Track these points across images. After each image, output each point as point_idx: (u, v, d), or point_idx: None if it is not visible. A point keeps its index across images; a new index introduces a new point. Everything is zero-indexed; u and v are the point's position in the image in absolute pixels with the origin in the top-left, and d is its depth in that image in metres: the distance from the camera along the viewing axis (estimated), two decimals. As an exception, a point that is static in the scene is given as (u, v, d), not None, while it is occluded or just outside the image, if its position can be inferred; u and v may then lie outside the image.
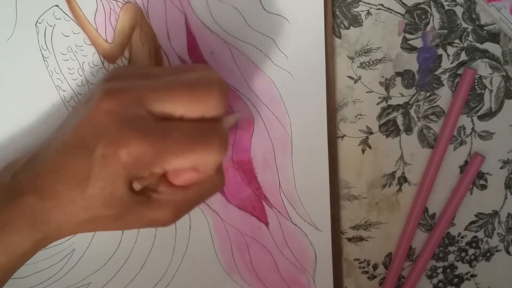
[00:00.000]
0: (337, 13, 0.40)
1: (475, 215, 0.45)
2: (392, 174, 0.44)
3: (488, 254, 0.46)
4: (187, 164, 0.30)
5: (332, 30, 0.39)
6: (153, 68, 0.34)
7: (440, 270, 0.47)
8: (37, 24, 0.36)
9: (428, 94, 0.42)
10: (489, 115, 0.43)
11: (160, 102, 0.30)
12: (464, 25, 0.41)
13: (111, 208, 0.30)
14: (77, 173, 0.30)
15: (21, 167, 0.32)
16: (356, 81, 0.41)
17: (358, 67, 0.41)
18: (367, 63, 0.41)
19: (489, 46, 0.41)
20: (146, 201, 0.31)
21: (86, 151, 0.29)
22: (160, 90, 0.30)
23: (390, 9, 0.40)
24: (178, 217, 0.33)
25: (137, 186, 0.30)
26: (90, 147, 0.29)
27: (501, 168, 0.44)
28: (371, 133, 0.42)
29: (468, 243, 0.46)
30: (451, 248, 0.46)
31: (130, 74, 0.32)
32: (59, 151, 0.30)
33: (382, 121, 0.42)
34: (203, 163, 0.31)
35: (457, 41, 0.41)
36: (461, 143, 0.43)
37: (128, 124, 0.29)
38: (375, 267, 0.46)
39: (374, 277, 0.46)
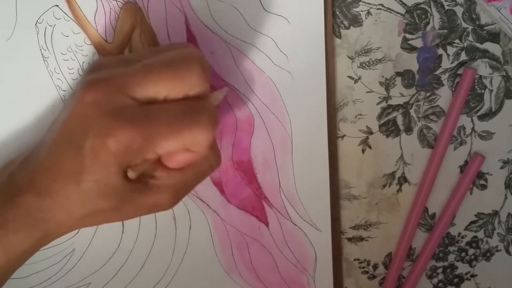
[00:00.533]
0: (337, 13, 0.40)
1: (475, 215, 0.45)
2: (392, 174, 0.44)
3: (488, 254, 0.46)
4: (178, 146, 0.30)
5: (332, 30, 0.39)
6: (133, 53, 0.34)
7: (440, 270, 0.47)
8: (37, 24, 0.36)
9: (428, 94, 0.42)
10: (489, 115, 0.43)
11: (142, 86, 0.30)
12: (464, 25, 0.41)
13: (108, 200, 0.30)
14: (69, 169, 0.30)
15: (17, 166, 0.32)
16: (356, 81, 0.41)
17: (358, 67, 0.41)
18: (367, 63, 0.41)
19: (489, 46, 0.41)
20: (143, 188, 0.31)
21: (76, 146, 0.29)
22: (139, 74, 0.30)
23: (390, 9, 0.40)
24: (178, 200, 0.33)
25: (131, 174, 0.30)
26: (79, 141, 0.29)
27: (501, 168, 0.44)
28: (371, 133, 0.42)
29: (468, 243, 0.46)
30: (451, 248, 0.46)
31: (110, 63, 0.32)
32: (50, 149, 0.30)
33: (382, 121, 0.42)
34: (194, 143, 0.31)
35: (457, 41, 0.41)
36: (461, 143, 0.43)
37: (113, 113, 0.29)
38: (375, 267, 0.46)
39: (374, 277, 0.46)
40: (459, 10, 0.40)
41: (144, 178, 0.31)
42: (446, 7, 0.40)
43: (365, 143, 0.43)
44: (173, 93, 0.30)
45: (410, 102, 0.42)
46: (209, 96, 0.32)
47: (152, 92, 0.30)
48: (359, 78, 0.41)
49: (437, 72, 0.42)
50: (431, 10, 0.40)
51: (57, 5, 0.36)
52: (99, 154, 0.29)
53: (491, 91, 0.42)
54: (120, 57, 0.33)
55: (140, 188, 0.31)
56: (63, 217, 0.31)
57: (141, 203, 0.31)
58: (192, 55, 0.31)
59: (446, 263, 0.46)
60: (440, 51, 0.41)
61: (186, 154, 0.31)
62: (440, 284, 0.47)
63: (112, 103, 0.29)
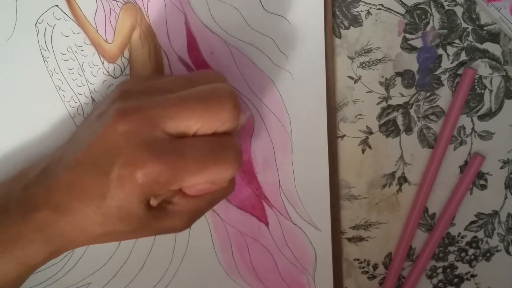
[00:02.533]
0: (337, 13, 0.40)
1: (475, 215, 0.45)
2: (392, 174, 0.44)
3: (488, 254, 0.46)
4: (203, 181, 0.31)
5: (332, 30, 0.39)
6: (163, 80, 0.33)
7: (440, 270, 0.47)
8: (37, 24, 0.36)
9: (428, 94, 0.42)
10: (489, 115, 0.43)
11: (174, 120, 0.30)
12: (464, 25, 0.41)
13: (127, 224, 0.30)
14: (92, 191, 0.30)
15: (33, 179, 0.32)
16: (356, 81, 0.41)
17: (358, 67, 0.41)
18: (367, 63, 0.41)
19: (489, 46, 0.41)
20: (161, 213, 0.31)
21: (102, 171, 0.29)
22: (173, 108, 0.30)
23: (390, 9, 0.40)
24: (190, 224, 0.33)
25: (154, 202, 0.31)
26: (105, 167, 0.29)
27: (501, 168, 0.44)
28: (371, 133, 0.42)
29: (468, 243, 0.46)
30: (451, 248, 0.46)
31: (141, 90, 0.32)
32: (71, 167, 0.30)
33: (382, 121, 0.42)
34: (219, 178, 0.31)
35: (457, 41, 0.41)
36: (461, 143, 0.43)
37: (144, 145, 0.29)
38: (375, 267, 0.46)
39: (374, 277, 0.46)
40: (459, 10, 0.40)
41: (162, 203, 0.32)
42: (446, 7, 0.40)
43: (365, 143, 0.43)
44: (204, 129, 0.31)
45: (410, 102, 0.42)
46: (236, 131, 0.32)
47: (183, 127, 0.30)
48: (359, 78, 0.41)
49: (437, 72, 0.42)
50: (431, 10, 0.40)
51: (57, 5, 0.36)
52: (125, 184, 0.29)
53: (491, 91, 0.42)
54: (151, 83, 0.33)
55: (158, 214, 0.31)
56: (78, 234, 0.31)
57: (156, 227, 0.32)
58: (225, 91, 0.31)
59: (446, 263, 0.46)
60: (440, 51, 0.41)
61: (207, 184, 0.32)
62: (440, 284, 0.47)
63: (143, 135, 0.29)
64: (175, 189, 0.31)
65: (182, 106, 0.30)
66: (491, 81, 0.42)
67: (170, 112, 0.30)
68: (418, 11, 0.40)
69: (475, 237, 0.46)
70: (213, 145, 0.30)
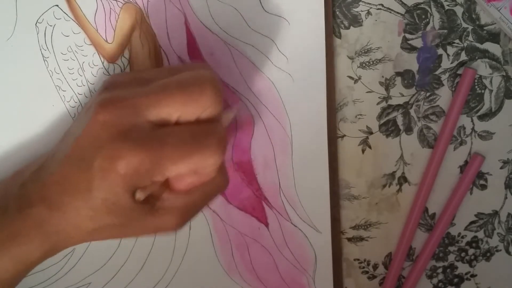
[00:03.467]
0: (337, 13, 0.40)
1: (475, 215, 0.45)
2: (392, 174, 0.44)
3: (488, 254, 0.46)
4: (186, 170, 0.30)
5: (332, 30, 0.39)
6: (149, 72, 0.33)
7: (440, 270, 0.47)
8: (37, 24, 0.36)
9: (428, 94, 0.42)
10: (489, 115, 0.43)
11: (155, 107, 0.30)
12: (464, 25, 0.41)
13: (116, 216, 0.30)
14: (79, 185, 0.30)
15: (29, 177, 0.32)
16: (356, 81, 0.41)
17: (358, 67, 0.41)
18: (367, 63, 0.41)
19: (489, 46, 0.41)
20: (150, 209, 0.31)
21: (86, 164, 0.29)
22: (153, 95, 0.30)
23: (390, 9, 0.40)
24: (184, 222, 0.33)
25: (140, 195, 0.30)
26: (89, 160, 0.29)
27: (501, 168, 0.44)
28: (371, 133, 0.42)
29: (468, 243, 0.46)
30: (451, 248, 0.46)
31: (125, 82, 0.32)
32: (62, 163, 0.30)
33: (382, 121, 0.42)
34: (203, 166, 0.31)
35: (457, 41, 0.41)
36: (461, 143, 0.43)
37: (124, 135, 0.29)
38: (375, 267, 0.46)
39: (374, 277, 0.46)
40: (459, 10, 0.40)
41: (151, 200, 0.31)
42: (446, 7, 0.40)
43: (365, 143, 0.43)
44: (186, 116, 0.30)
45: (410, 102, 0.42)
46: (220, 118, 0.32)
47: (165, 114, 0.30)
48: (359, 78, 0.41)
49: (437, 72, 0.42)
50: (431, 10, 0.40)
51: (57, 5, 0.36)
52: (107, 175, 0.29)
53: (491, 91, 0.42)
54: (135, 75, 0.33)
55: (147, 209, 0.31)
56: (72, 230, 0.31)
57: (147, 224, 0.32)
58: (205, 76, 0.31)
59: (446, 263, 0.46)
60: (440, 51, 0.41)
61: (194, 176, 0.31)
62: (440, 284, 0.47)
63: (123, 124, 0.29)
64: (160, 179, 0.30)
65: (162, 93, 0.30)
66: (491, 81, 0.42)
67: (151, 100, 0.30)
68: (418, 11, 0.40)
69: (475, 237, 0.46)
70: (195, 132, 0.30)
